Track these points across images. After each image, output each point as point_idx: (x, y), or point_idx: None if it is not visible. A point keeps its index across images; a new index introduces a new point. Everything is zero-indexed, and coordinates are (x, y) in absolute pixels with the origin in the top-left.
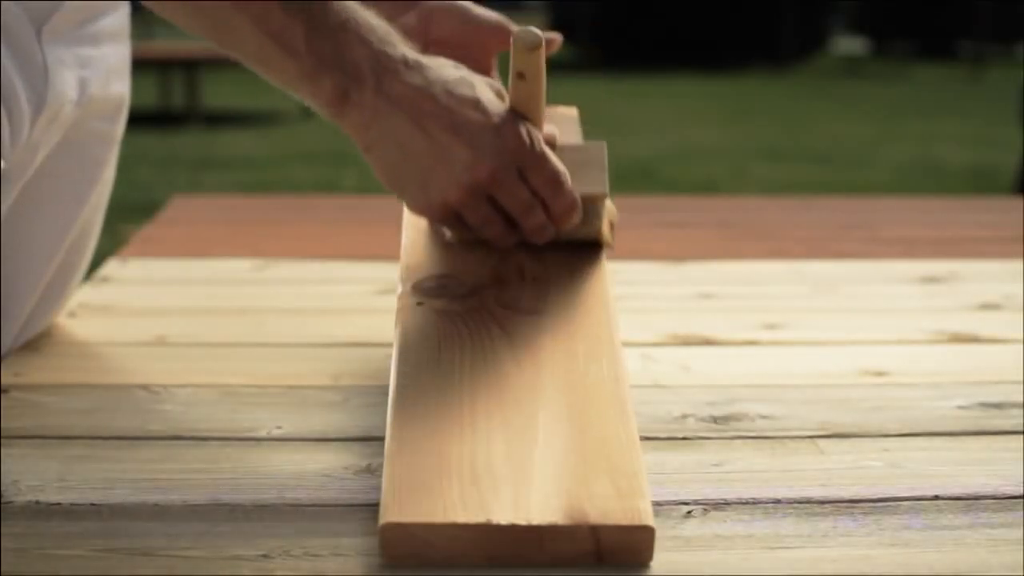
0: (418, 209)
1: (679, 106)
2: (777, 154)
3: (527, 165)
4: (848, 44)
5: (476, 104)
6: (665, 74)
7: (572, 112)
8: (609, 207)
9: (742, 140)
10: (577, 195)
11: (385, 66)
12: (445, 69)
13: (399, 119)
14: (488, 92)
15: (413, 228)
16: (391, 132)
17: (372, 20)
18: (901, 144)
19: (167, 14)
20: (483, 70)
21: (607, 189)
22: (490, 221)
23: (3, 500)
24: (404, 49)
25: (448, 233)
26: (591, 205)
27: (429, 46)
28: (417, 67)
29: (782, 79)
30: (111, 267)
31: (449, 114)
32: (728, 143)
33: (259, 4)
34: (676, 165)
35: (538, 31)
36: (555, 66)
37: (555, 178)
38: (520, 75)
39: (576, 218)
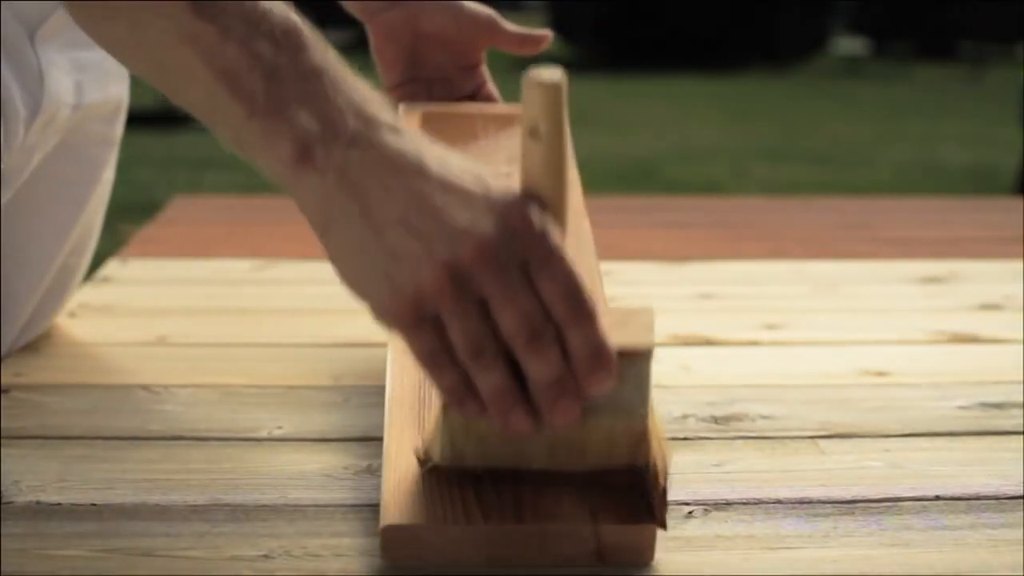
0: (384, 308)
1: (679, 106)
2: (777, 154)
3: (534, 258)
4: (848, 44)
5: (477, 177)
6: (665, 74)
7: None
8: (659, 428)
9: (742, 140)
10: (610, 341)
11: (365, 124)
12: (439, 149)
13: (371, 185)
14: (494, 177)
15: None
16: (357, 202)
17: (353, 76)
18: (901, 144)
19: (111, 52)
20: (471, 66)
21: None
22: (480, 339)
23: (4, 500)
24: (389, 114)
25: (424, 456)
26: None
27: (417, 40)
28: (404, 134)
29: (782, 79)
30: (111, 267)
31: (440, 183)
32: (728, 143)
33: (212, 38)
34: (676, 165)
35: (557, 70)
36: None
37: (576, 291)
38: (533, 132)
39: (608, 378)
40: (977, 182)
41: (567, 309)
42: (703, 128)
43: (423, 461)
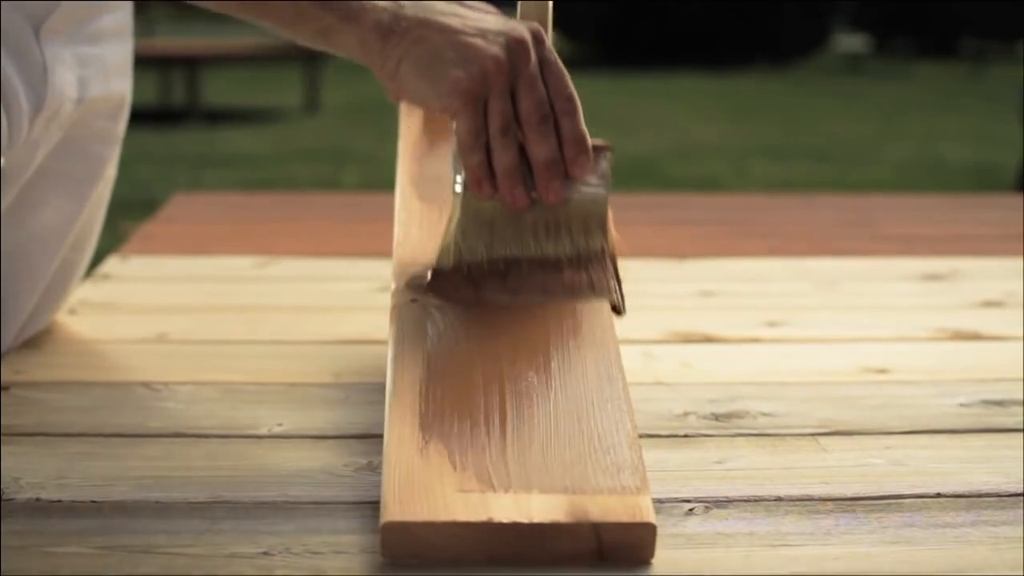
0: (458, 89)
1: (680, 103)
2: (778, 152)
3: (546, 61)
4: (849, 42)
5: (498, 13)
6: (666, 71)
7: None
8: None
9: (743, 138)
10: (587, 135)
11: None
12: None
13: (437, 18)
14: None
15: (405, 223)
16: (426, 42)
17: None
18: (902, 142)
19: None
20: None
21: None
22: (508, 119)
23: (4, 497)
24: None
25: (436, 264)
26: (594, 208)
27: None
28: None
29: (783, 77)
30: (112, 264)
31: (480, 13)
32: (729, 141)
33: None
34: (677, 163)
35: None
36: None
37: (570, 91)
38: None
39: (587, 162)
40: (978, 180)
41: (564, 102)
42: (704, 125)
43: (435, 272)
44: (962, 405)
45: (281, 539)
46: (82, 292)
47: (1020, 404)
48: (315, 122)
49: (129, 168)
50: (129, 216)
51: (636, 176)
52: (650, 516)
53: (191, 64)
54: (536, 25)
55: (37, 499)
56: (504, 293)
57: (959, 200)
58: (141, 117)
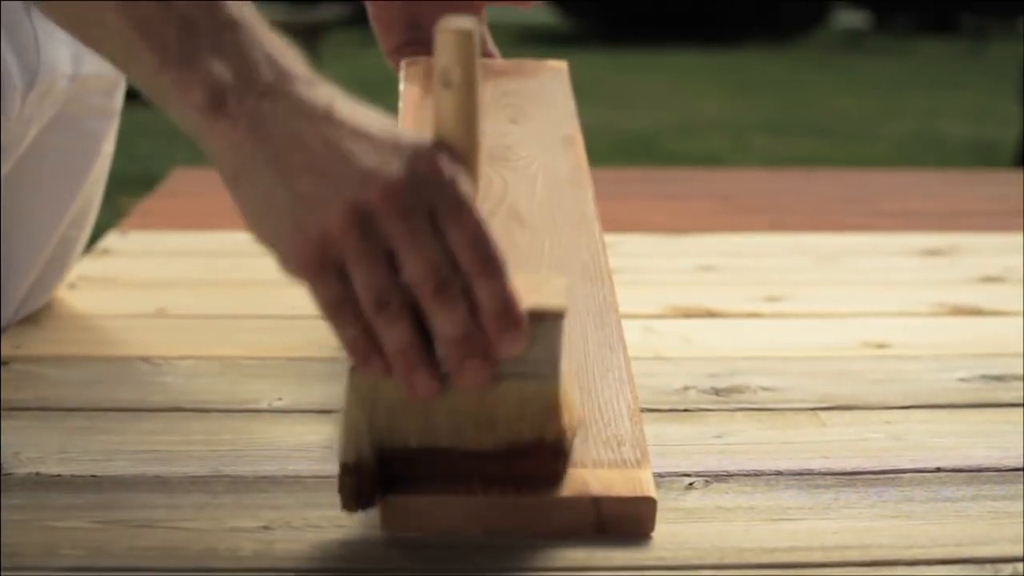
0: (290, 253)
1: (680, 79)
2: (778, 127)
3: (443, 206)
4: (849, 18)
5: (386, 126)
6: (666, 47)
7: (560, 66)
8: (569, 398)
9: (743, 113)
10: (519, 300)
11: (279, 75)
12: (351, 102)
13: (281, 133)
14: (405, 131)
15: None
16: (267, 149)
17: (270, 31)
18: (902, 118)
19: (37, 6)
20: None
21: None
22: (384, 291)
23: (4, 472)
24: (303, 68)
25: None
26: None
27: (415, 2)
28: (318, 86)
29: (783, 53)
30: (111, 239)
31: (350, 130)
32: (729, 116)
33: None
34: (677, 138)
35: (470, 23)
36: (555, 39)
37: (485, 242)
38: (445, 80)
39: (519, 337)
40: (978, 155)
41: (475, 260)
42: (704, 101)
43: (342, 465)
44: (962, 380)
45: (281, 513)
46: (82, 267)
47: (1020, 379)
48: None
49: (128, 144)
50: (128, 192)
51: (636, 151)
52: (650, 490)
53: None
54: (432, 153)
55: (37, 473)
56: (415, 483)
57: (959, 176)
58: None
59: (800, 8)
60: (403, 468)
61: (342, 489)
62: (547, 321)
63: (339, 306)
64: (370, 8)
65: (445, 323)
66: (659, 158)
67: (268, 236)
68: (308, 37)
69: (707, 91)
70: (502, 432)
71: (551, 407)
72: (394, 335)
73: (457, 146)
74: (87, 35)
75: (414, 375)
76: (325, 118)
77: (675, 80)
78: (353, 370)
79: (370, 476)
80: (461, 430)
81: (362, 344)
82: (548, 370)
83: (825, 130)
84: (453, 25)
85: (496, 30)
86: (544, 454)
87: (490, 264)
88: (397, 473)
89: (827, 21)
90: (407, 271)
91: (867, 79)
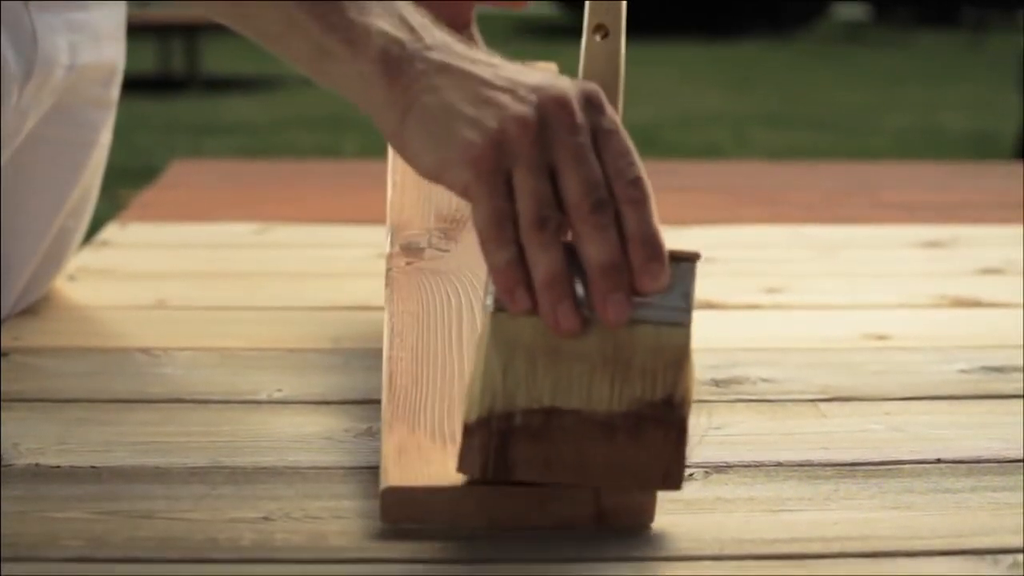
0: (466, 154)
1: (681, 71)
2: (778, 120)
3: (603, 130)
4: (849, 10)
5: (545, 71)
6: (667, 40)
7: (549, 67)
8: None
9: (743, 106)
10: (662, 235)
11: (432, 26)
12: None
13: (455, 72)
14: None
15: (400, 186)
16: (441, 90)
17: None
18: (903, 110)
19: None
20: (460, 27)
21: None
22: (546, 206)
23: (3, 463)
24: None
25: (465, 416)
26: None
27: None
28: (468, 43)
29: (783, 45)
30: (111, 231)
31: (515, 68)
32: (729, 109)
33: None
34: (677, 131)
35: None
36: (554, 31)
37: (638, 171)
38: (599, 29)
39: (662, 271)
40: (978, 148)
41: (627, 186)
42: (704, 93)
43: (467, 426)
44: (962, 371)
45: (280, 504)
46: (81, 259)
47: (1020, 370)
48: (315, 89)
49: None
50: (128, 184)
51: (636, 144)
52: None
53: (191, 32)
54: (593, 86)
55: (36, 465)
56: (533, 465)
57: (959, 168)
58: (140, 85)
59: (800, 1)
60: (523, 439)
61: (467, 453)
62: (684, 264)
63: (499, 222)
64: None
65: (597, 248)
66: (659, 150)
67: (441, 155)
68: None
69: (707, 83)
70: (634, 387)
71: (683, 357)
72: (547, 259)
73: (608, 91)
74: (237, 14)
75: (560, 307)
76: (487, 61)
77: (675, 72)
78: (496, 313)
79: (499, 437)
80: (594, 386)
81: (512, 272)
82: (682, 317)
83: (825, 122)
84: None
85: (493, 22)
86: (671, 420)
87: (641, 191)
88: (516, 445)
89: (827, 14)
90: (568, 188)
91: (867, 71)
